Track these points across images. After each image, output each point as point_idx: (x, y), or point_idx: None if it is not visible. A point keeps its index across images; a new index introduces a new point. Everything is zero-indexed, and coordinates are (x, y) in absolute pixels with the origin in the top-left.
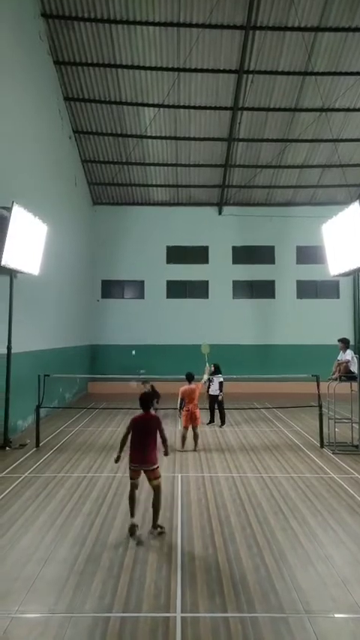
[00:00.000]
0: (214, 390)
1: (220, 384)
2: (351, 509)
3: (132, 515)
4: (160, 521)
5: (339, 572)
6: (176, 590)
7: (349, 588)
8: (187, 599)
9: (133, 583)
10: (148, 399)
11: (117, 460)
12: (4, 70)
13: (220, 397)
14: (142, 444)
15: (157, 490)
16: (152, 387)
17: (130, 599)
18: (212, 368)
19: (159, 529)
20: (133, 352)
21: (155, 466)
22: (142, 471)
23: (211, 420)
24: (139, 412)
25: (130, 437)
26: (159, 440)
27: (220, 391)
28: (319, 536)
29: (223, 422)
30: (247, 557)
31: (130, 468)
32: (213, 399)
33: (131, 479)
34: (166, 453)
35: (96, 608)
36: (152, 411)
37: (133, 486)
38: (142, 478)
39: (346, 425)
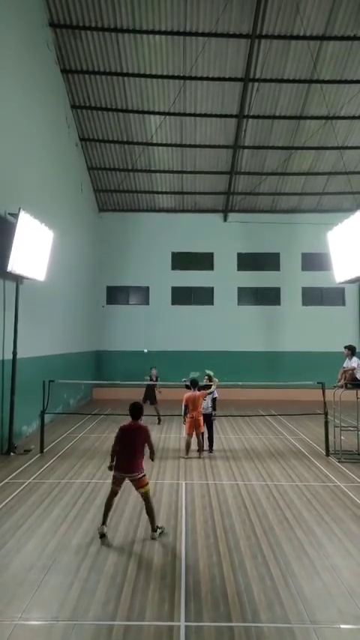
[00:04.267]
0: (205, 407)
1: (214, 400)
2: (357, 518)
3: (104, 522)
4: (159, 524)
5: (345, 583)
6: (180, 598)
7: (355, 599)
8: (192, 608)
9: (136, 591)
10: (137, 409)
11: (110, 468)
12: (12, 79)
13: (213, 417)
14: (129, 452)
15: (146, 497)
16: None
17: (133, 607)
18: (207, 380)
19: (159, 530)
20: (145, 350)
21: (141, 474)
22: (125, 480)
23: (202, 447)
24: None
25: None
26: (147, 450)
27: (214, 409)
28: (324, 545)
29: (211, 446)
30: (252, 566)
31: (114, 476)
32: (204, 419)
33: (113, 484)
34: (152, 458)
35: (100, 615)
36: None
37: (114, 493)
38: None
39: (352, 433)
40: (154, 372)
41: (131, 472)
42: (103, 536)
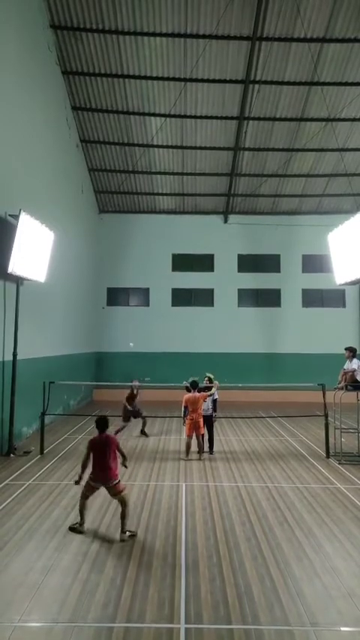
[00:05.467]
0: (205, 408)
1: (214, 402)
2: (357, 520)
3: (82, 523)
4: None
5: (345, 584)
6: (180, 600)
7: (356, 601)
8: (192, 610)
9: (136, 593)
10: (103, 422)
11: (77, 482)
12: (14, 80)
13: (213, 418)
14: (102, 462)
15: (123, 502)
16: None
17: (133, 609)
18: (207, 381)
19: (128, 533)
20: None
21: (116, 481)
22: (100, 488)
23: (203, 449)
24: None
25: (90, 457)
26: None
27: (215, 411)
28: (324, 547)
29: (211, 448)
30: (251, 568)
31: (89, 483)
32: (204, 421)
33: (85, 492)
34: (124, 465)
35: (99, 617)
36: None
37: (85, 497)
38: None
39: (352, 435)
40: (136, 383)
41: (106, 481)
42: (80, 532)
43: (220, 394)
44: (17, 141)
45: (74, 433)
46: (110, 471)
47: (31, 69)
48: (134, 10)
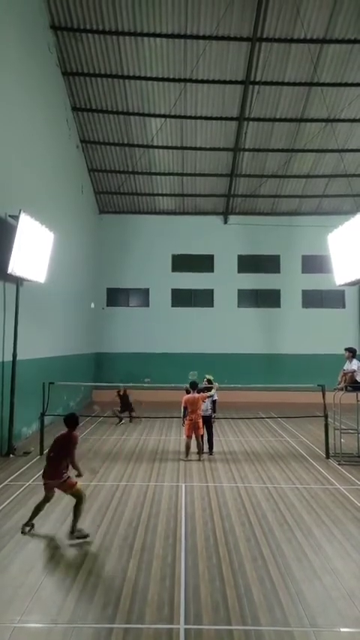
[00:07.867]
0: (204, 409)
1: (214, 402)
2: (357, 520)
3: (29, 522)
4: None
5: (345, 585)
6: (180, 601)
7: (356, 602)
8: (191, 611)
9: (136, 593)
10: (71, 419)
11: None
12: (14, 81)
13: (212, 419)
14: (53, 459)
15: (78, 497)
16: (125, 391)
17: (133, 610)
18: (206, 382)
19: (77, 533)
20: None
21: (63, 479)
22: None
23: (203, 449)
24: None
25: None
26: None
27: (214, 412)
28: (324, 548)
29: (211, 448)
30: (251, 569)
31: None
32: (203, 421)
33: (45, 489)
34: (77, 474)
35: (99, 618)
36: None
37: (46, 499)
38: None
39: (351, 435)
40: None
41: (53, 478)
42: (23, 532)
43: (220, 395)
44: (18, 141)
45: None
46: (56, 470)
47: (31, 70)
48: (134, 11)
